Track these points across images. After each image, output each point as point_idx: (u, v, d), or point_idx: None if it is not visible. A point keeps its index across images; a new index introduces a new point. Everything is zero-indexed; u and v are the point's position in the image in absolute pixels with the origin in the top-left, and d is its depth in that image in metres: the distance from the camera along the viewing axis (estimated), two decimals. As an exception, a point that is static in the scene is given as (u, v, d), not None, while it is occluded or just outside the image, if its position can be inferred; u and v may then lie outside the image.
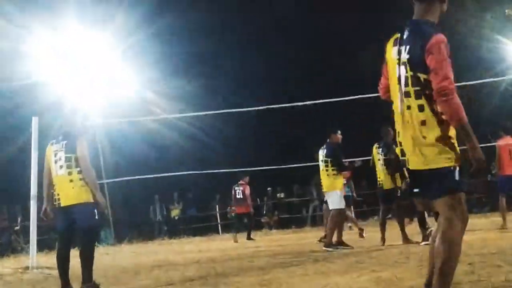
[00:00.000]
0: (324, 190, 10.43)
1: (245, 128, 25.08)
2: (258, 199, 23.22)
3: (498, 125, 11.71)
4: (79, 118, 6.94)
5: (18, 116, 17.43)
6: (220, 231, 23.44)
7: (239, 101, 20.19)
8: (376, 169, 10.37)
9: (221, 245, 15.42)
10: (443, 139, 3.52)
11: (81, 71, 19.57)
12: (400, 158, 3.68)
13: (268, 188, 24.86)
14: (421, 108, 3.54)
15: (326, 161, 10.20)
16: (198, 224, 24.87)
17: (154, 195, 24.09)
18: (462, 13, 19.58)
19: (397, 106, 3.68)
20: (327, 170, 10.22)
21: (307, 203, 24.75)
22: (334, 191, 10.17)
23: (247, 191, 17.05)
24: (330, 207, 10.22)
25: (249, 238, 16.82)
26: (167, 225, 24.84)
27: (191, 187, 26.31)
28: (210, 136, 25.22)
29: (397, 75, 3.63)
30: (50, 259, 9.61)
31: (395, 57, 3.66)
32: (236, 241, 15.83)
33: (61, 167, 6.41)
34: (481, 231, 10.91)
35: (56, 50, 19.05)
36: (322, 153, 10.33)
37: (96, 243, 11.84)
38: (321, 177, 10.43)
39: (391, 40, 3.75)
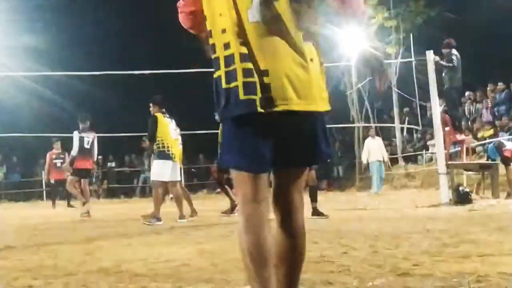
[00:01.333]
0: (176, 160, 9.84)
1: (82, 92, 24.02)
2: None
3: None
4: None
5: None
6: (44, 198, 22.57)
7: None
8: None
9: (44, 212, 14.85)
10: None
11: None
12: (261, 95, 2.19)
13: (99, 156, 24.28)
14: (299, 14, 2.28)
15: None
16: (22, 190, 23.74)
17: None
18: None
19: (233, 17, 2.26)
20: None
21: (138, 174, 24.55)
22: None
23: (48, 159, 17.35)
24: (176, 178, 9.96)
25: (70, 205, 16.61)
26: (-13, 189, 23.52)
27: (17, 150, 25.00)
28: (52, 99, 24.07)
29: None
30: None
31: None
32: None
33: None
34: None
35: None
36: (174, 123, 9.94)
37: None
38: (174, 148, 9.84)
39: None
